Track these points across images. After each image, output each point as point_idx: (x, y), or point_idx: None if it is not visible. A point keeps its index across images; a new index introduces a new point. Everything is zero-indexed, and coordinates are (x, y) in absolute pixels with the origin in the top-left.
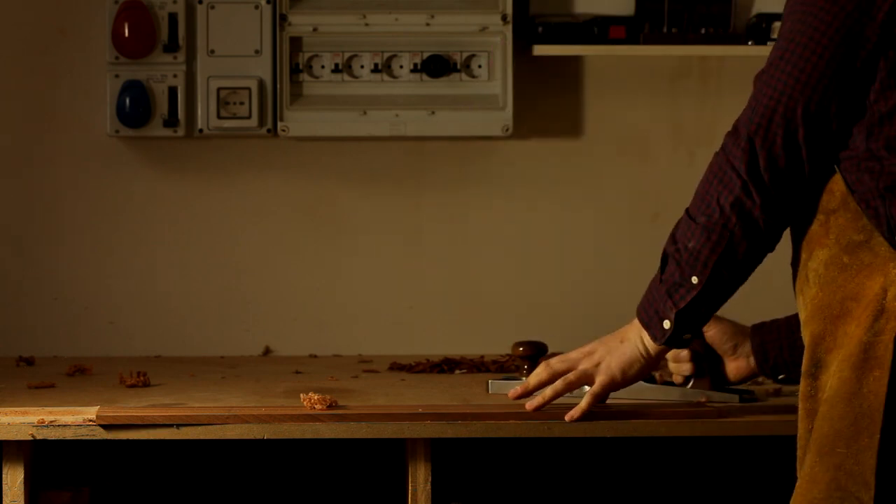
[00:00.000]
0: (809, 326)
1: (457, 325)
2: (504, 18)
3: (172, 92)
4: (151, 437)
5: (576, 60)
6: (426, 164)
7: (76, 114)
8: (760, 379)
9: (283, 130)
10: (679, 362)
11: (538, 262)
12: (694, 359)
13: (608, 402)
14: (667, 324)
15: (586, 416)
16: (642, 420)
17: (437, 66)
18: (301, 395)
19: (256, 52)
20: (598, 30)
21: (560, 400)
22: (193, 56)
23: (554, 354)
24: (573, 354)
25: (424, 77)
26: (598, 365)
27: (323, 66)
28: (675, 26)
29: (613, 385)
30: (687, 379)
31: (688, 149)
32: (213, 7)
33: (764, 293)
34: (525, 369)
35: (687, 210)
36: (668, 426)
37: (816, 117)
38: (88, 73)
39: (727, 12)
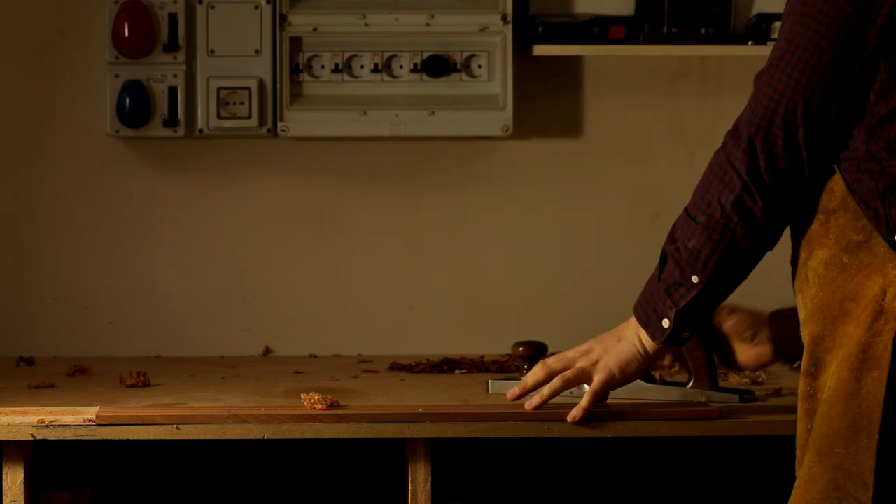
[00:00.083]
0: (809, 326)
1: (457, 325)
2: (504, 18)
3: (172, 92)
4: (151, 437)
5: (576, 60)
6: (426, 164)
7: (76, 114)
8: (763, 377)
9: (283, 130)
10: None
11: (538, 262)
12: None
13: (608, 402)
14: (666, 323)
15: (586, 416)
16: (642, 420)
17: (437, 66)
18: (301, 395)
19: (256, 52)
20: (598, 30)
21: (559, 399)
22: (193, 56)
23: (553, 354)
24: (570, 353)
25: (424, 77)
26: (595, 363)
27: (323, 66)
28: (675, 26)
29: (612, 383)
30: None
31: (688, 149)
32: (213, 7)
33: (763, 290)
34: (525, 369)
35: (686, 209)
36: (668, 426)
37: (816, 118)
38: (88, 73)
39: (727, 12)
